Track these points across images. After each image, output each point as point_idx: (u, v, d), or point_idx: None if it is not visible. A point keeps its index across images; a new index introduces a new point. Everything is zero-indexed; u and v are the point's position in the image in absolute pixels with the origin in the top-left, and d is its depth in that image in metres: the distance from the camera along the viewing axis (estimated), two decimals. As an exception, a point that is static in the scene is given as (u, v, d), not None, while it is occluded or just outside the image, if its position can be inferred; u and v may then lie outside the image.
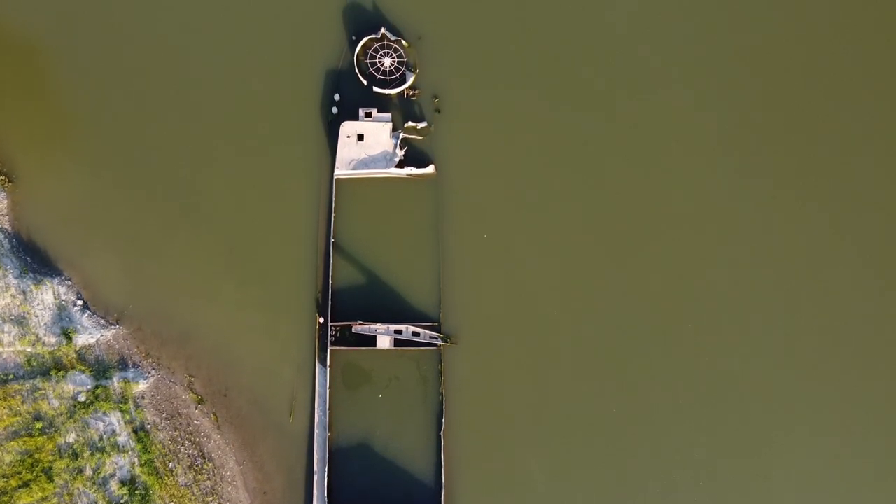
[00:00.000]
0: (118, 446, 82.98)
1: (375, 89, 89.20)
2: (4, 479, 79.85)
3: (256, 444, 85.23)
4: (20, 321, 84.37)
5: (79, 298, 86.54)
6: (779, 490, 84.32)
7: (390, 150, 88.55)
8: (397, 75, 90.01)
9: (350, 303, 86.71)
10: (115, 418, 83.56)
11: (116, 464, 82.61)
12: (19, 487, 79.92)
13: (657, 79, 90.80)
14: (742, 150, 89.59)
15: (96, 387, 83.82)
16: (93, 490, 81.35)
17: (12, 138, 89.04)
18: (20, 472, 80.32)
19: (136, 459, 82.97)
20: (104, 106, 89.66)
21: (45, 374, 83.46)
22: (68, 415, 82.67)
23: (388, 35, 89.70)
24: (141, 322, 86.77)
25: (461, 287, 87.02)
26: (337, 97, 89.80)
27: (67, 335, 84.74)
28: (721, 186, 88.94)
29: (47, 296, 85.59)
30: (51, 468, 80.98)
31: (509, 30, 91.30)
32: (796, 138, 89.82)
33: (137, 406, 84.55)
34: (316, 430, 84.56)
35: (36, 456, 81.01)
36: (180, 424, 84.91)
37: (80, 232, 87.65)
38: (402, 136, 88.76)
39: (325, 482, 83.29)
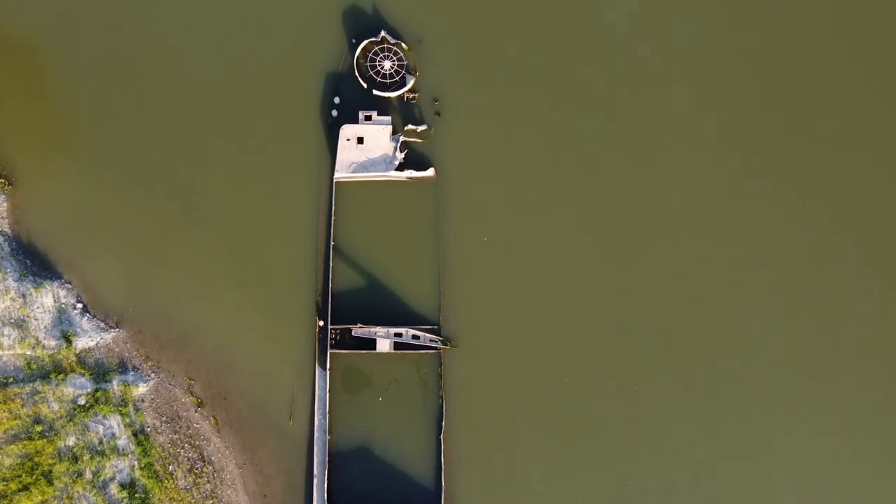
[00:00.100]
0: (118, 449, 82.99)
1: (375, 92, 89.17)
2: (4, 483, 79.85)
3: (256, 447, 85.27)
4: (20, 324, 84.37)
5: (79, 301, 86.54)
6: (779, 490, 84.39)
7: (390, 153, 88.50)
8: (397, 78, 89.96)
9: (350, 306, 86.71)
10: (114, 421, 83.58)
11: (116, 467, 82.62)
12: (19, 491, 79.92)
13: (657, 79, 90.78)
14: (742, 150, 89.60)
15: (96, 390, 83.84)
16: (93, 493, 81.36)
17: (12, 141, 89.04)
18: (20, 476, 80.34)
19: (135, 463, 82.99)
20: (104, 110, 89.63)
21: (44, 377, 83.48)
22: (68, 418, 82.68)
23: (388, 38, 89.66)
24: (141, 325, 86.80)
25: (461, 290, 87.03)
26: (337, 100, 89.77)
27: (67, 338, 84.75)
28: (721, 186, 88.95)
29: (47, 299, 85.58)
30: (51, 471, 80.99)
31: (509, 33, 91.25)
32: (796, 138, 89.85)
33: (137, 409, 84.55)
34: (316, 434, 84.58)
35: (36, 459, 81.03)
36: (180, 428, 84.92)
37: (80, 235, 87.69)
38: (401, 139, 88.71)
39: (325, 485, 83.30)
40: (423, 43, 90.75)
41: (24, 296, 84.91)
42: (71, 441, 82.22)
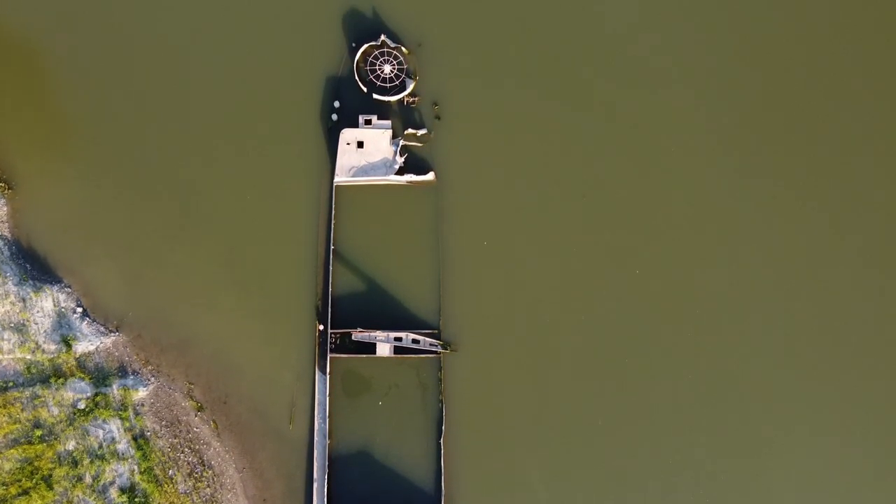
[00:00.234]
0: (118, 454, 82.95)
1: (375, 96, 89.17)
2: (4, 487, 79.80)
3: (256, 451, 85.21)
4: (20, 328, 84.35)
5: (78, 305, 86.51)
6: (779, 490, 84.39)
7: (390, 157, 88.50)
8: (397, 82, 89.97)
9: (350, 310, 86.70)
10: (114, 426, 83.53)
11: (116, 471, 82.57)
12: (19, 495, 79.87)
13: (657, 79, 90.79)
14: (742, 150, 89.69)
15: (96, 394, 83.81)
16: (92, 497, 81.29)
17: (12, 144, 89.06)
18: (20, 480, 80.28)
19: (135, 467, 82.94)
20: (104, 116, 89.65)
21: (44, 381, 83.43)
22: (68, 422, 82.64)
23: (388, 42, 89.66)
24: (141, 329, 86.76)
25: (461, 294, 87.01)
26: (337, 104, 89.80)
27: (67, 342, 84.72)
28: (721, 186, 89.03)
29: (47, 303, 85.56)
30: (50, 476, 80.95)
31: (509, 36, 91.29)
32: (796, 138, 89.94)
33: (137, 413, 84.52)
34: (316, 438, 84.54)
35: (35, 463, 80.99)
36: (180, 432, 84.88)
37: (80, 239, 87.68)
38: (401, 143, 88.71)
39: (325, 490, 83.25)
40: (422, 47, 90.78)
41: (23, 300, 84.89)
42: (71, 445, 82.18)
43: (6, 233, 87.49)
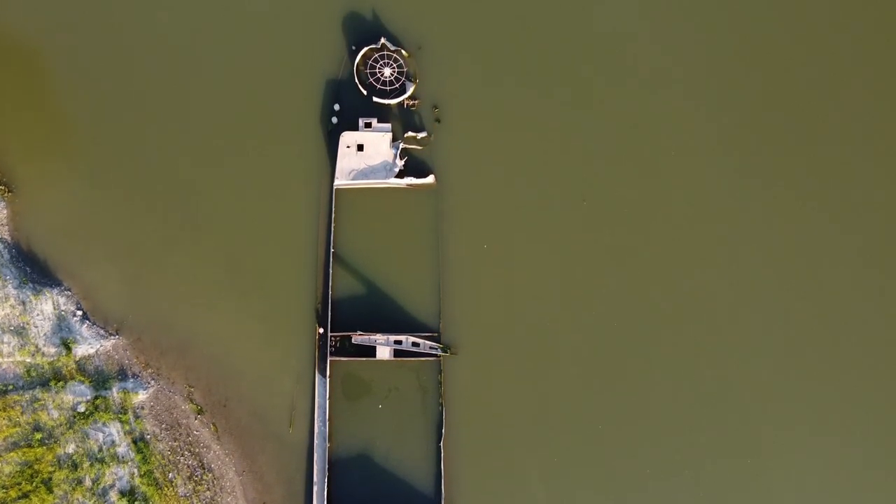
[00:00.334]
0: (118, 457, 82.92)
1: (375, 99, 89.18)
2: (4, 490, 79.76)
3: (256, 454, 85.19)
4: (20, 331, 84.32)
5: (78, 309, 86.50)
6: (779, 490, 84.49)
7: (390, 160, 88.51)
8: (397, 85, 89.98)
9: (350, 313, 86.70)
10: (114, 429, 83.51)
11: (116, 474, 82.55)
12: (19, 498, 79.85)
13: (657, 79, 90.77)
14: (742, 150, 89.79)
15: (96, 397, 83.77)
16: (92, 501, 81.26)
17: (12, 148, 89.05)
18: (20, 483, 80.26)
19: (135, 470, 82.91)
20: (104, 120, 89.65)
21: (44, 384, 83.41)
22: (68, 425, 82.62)
23: (388, 45, 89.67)
24: (141, 332, 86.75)
25: (461, 297, 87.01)
26: (337, 107, 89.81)
27: (67, 345, 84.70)
28: (721, 187, 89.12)
29: (47, 306, 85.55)
30: (50, 479, 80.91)
31: (509, 39, 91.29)
32: (796, 138, 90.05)
33: (137, 416, 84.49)
34: (316, 441, 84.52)
35: (35, 467, 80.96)
36: (180, 435, 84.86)
37: (80, 242, 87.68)
38: (401, 146, 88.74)
39: (325, 493, 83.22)
40: (422, 50, 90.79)
41: (23, 303, 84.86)
42: (70, 448, 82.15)
43: (6, 236, 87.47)
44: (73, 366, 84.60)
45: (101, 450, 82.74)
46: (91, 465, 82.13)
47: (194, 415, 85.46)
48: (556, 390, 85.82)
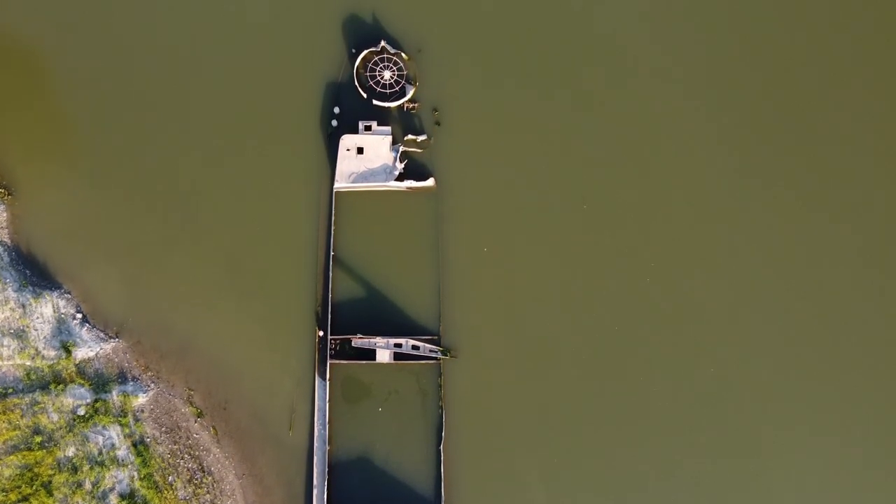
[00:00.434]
0: (117, 460, 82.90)
1: (375, 102, 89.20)
2: (4, 494, 79.70)
3: (256, 457, 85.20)
4: (19, 334, 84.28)
5: (78, 311, 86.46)
6: (779, 490, 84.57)
7: (390, 163, 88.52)
8: (397, 88, 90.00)
9: (350, 316, 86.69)
10: (114, 432, 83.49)
11: (116, 477, 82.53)
12: (19, 502, 79.78)
13: (657, 79, 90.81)
14: (742, 150, 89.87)
15: (95, 400, 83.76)
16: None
17: (12, 151, 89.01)
18: (19, 487, 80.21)
19: (135, 473, 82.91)
20: (104, 120, 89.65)
21: (44, 387, 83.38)
22: (67, 428, 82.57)
23: (388, 48, 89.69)
24: (140, 335, 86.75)
25: (461, 300, 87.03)
26: (337, 110, 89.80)
27: (67, 348, 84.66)
28: (721, 186, 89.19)
29: (46, 309, 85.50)
30: (50, 482, 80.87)
31: (509, 42, 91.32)
32: (796, 138, 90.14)
33: (137, 419, 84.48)
34: (315, 444, 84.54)
35: (35, 470, 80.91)
36: (180, 438, 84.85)
37: (80, 245, 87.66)
38: (401, 149, 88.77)
39: (325, 496, 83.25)
40: (422, 53, 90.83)
41: (23, 306, 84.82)
42: (70, 452, 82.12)
43: (6, 238, 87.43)
44: (73, 369, 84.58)
45: (100, 453, 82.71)
46: (91, 468, 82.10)
47: (194, 418, 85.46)
48: (556, 393, 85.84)
